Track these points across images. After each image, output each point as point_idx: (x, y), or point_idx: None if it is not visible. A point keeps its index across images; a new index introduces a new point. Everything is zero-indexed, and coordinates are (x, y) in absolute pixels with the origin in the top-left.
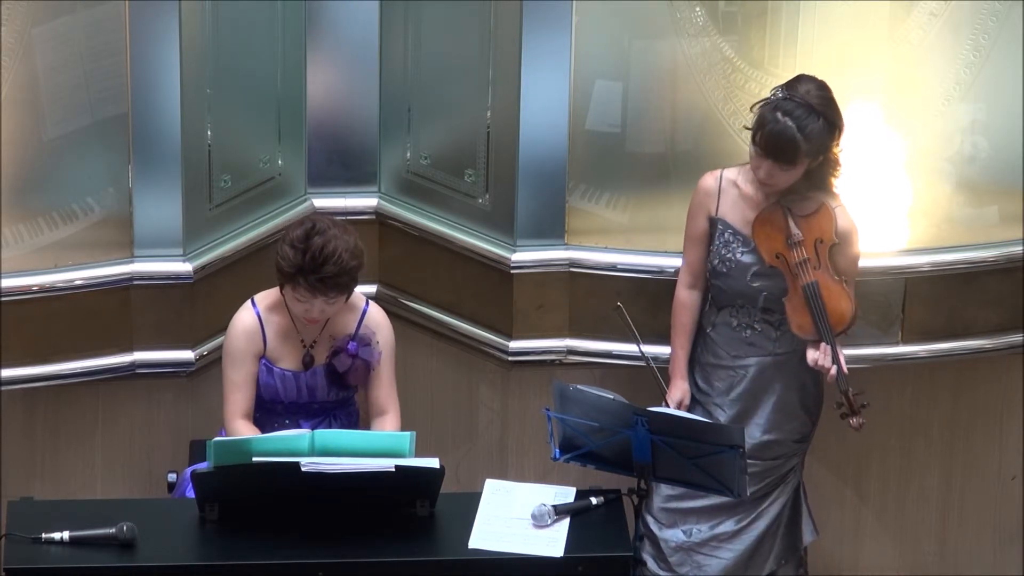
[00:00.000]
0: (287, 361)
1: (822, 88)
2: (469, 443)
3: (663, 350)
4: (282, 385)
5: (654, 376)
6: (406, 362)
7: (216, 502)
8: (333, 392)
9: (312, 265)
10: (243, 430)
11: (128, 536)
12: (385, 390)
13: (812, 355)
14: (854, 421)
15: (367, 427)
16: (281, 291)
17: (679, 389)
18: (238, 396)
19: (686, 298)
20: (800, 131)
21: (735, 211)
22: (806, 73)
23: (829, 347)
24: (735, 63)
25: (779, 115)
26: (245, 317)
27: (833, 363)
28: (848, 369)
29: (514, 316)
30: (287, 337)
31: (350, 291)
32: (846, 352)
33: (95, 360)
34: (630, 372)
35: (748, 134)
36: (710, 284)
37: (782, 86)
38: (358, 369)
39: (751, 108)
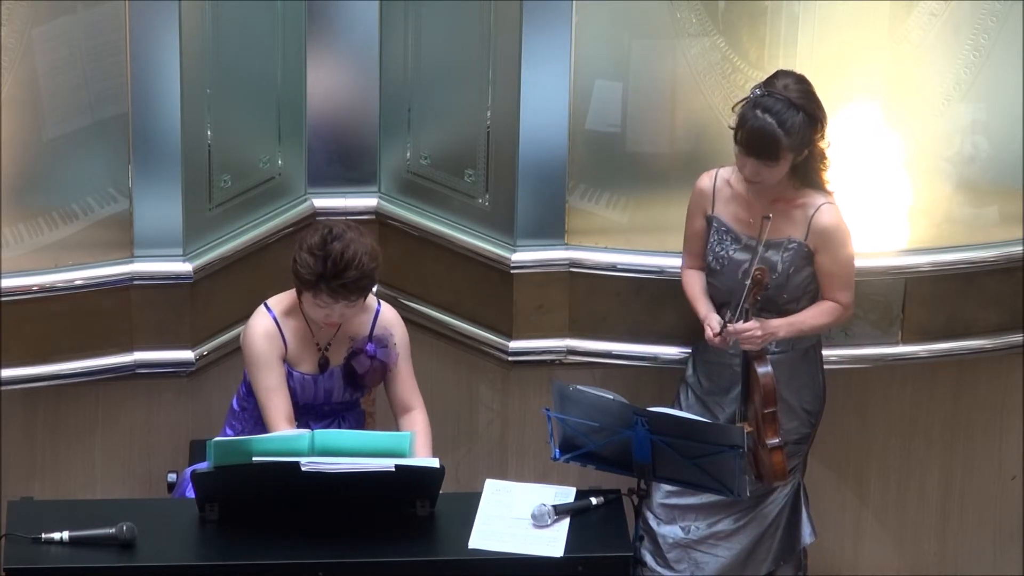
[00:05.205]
0: (305, 364)
1: (800, 82)
2: (469, 443)
3: (664, 350)
4: (300, 388)
5: None
6: None
7: (216, 502)
8: (348, 393)
9: (334, 271)
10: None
11: (128, 536)
12: (407, 387)
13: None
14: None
15: (394, 427)
16: (299, 298)
17: (713, 318)
18: (277, 400)
19: (691, 271)
20: (780, 126)
21: (728, 209)
22: (784, 68)
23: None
24: (735, 63)
25: (758, 112)
26: (263, 322)
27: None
28: (846, 367)
29: (514, 316)
30: (303, 341)
31: (368, 292)
32: (846, 352)
33: (95, 360)
34: (630, 372)
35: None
36: (707, 282)
37: (761, 83)
38: (376, 370)
39: (733, 108)
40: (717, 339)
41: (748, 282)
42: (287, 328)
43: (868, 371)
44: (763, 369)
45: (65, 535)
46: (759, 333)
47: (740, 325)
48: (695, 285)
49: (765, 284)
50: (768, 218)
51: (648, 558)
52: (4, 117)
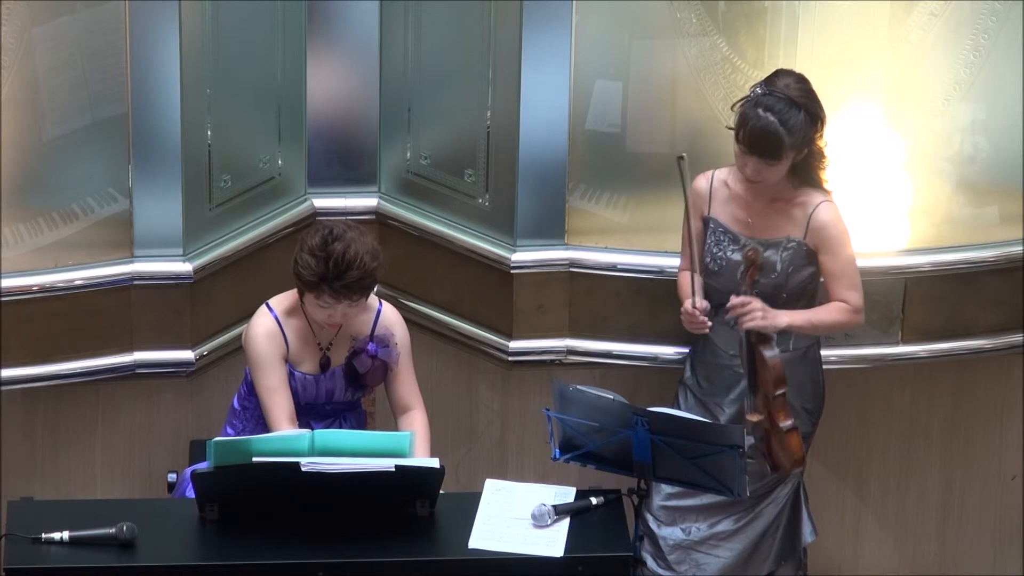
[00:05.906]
0: (306, 365)
1: (801, 81)
2: (469, 443)
3: (664, 350)
4: (302, 388)
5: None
6: None
7: (216, 502)
8: (349, 392)
9: (336, 272)
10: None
11: (128, 536)
12: (407, 387)
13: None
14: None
15: (394, 427)
16: (301, 298)
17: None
18: (279, 400)
19: (687, 273)
20: (783, 125)
21: (725, 210)
22: (783, 68)
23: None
24: (735, 63)
25: (760, 111)
26: (265, 322)
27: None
28: (846, 367)
29: (514, 316)
30: (305, 341)
31: (370, 292)
32: (846, 352)
33: (95, 360)
34: (630, 372)
35: None
36: (706, 284)
37: (761, 82)
38: (377, 370)
39: (732, 107)
40: (693, 315)
41: (743, 265)
42: (289, 328)
43: (868, 371)
44: (770, 352)
45: (65, 535)
46: (757, 305)
47: (738, 300)
48: (689, 283)
49: (759, 263)
50: (682, 157)
51: (648, 560)
52: (4, 117)
